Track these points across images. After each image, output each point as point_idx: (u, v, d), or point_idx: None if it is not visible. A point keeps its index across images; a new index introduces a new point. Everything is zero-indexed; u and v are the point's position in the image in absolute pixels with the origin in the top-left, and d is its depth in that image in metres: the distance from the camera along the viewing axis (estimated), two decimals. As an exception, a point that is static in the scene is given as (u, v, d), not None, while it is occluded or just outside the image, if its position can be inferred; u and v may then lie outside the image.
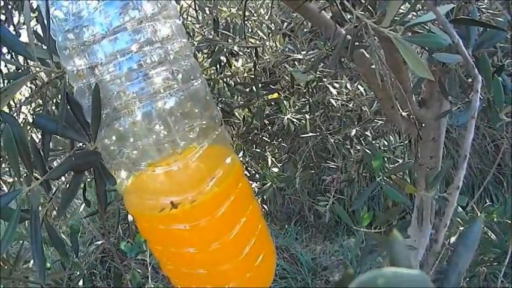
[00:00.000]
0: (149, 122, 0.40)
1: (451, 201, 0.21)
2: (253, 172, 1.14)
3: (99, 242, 1.24)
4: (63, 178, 0.70)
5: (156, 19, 0.42)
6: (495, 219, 0.92)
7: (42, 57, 0.46)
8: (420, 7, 0.75)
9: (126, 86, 0.40)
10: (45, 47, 0.48)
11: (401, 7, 0.62)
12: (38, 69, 0.44)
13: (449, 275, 0.17)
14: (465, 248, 0.18)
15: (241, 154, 1.14)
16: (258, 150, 1.16)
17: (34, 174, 0.43)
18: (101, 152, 0.43)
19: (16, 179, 0.43)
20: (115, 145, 0.42)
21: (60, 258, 0.50)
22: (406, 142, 1.21)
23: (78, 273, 0.64)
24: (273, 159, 1.15)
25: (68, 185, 0.45)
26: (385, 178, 0.62)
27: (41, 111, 0.90)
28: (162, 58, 0.41)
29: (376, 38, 0.70)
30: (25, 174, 0.42)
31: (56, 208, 0.62)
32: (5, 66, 0.48)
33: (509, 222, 0.92)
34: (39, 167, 0.43)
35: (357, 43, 0.62)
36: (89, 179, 0.82)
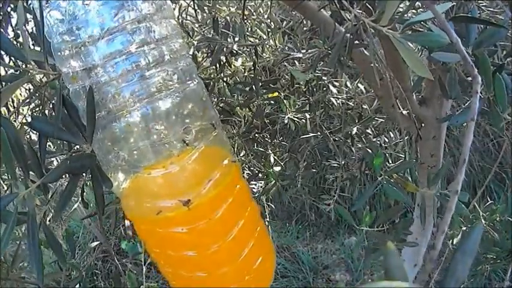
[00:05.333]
0: (145, 124, 0.40)
1: (449, 206, 0.21)
2: (256, 171, 1.14)
3: (99, 242, 1.24)
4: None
5: (151, 20, 0.41)
6: (497, 218, 0.91)
7: (37, 59, 0.45)
8: (420, 5, 0.74)
9: (121, 88, 0.40)
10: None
11: (401, 5, 0.62)
12: (33, 71, 0.43)
13: (446, 284, 0.16)
14: (463, 255, 0.18)
15: (242, 153, 1.13)
16: (261, 149, 1.15)
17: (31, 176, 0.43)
18: (98, 154, 0.43)
19: (12, 181, 0.43)
20: (111, 148, 0.42)
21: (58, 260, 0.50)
22: (407, 139, 1.20)
23: (76, 274, 0.64)
24: (276, 157, 1.14)
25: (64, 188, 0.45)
26: (386, 177, 0.61)
27: (39, 112, 0.89)
28: (157, 59, 0.41)
29: (376, 36, 0.69)
30: (22, 177, 0.42)
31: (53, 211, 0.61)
32: (4, 69, 0.48)
33: (511, 220, 0.91)
34: (36, 170, 0.43)
35: (356, 41, 0.61)
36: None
